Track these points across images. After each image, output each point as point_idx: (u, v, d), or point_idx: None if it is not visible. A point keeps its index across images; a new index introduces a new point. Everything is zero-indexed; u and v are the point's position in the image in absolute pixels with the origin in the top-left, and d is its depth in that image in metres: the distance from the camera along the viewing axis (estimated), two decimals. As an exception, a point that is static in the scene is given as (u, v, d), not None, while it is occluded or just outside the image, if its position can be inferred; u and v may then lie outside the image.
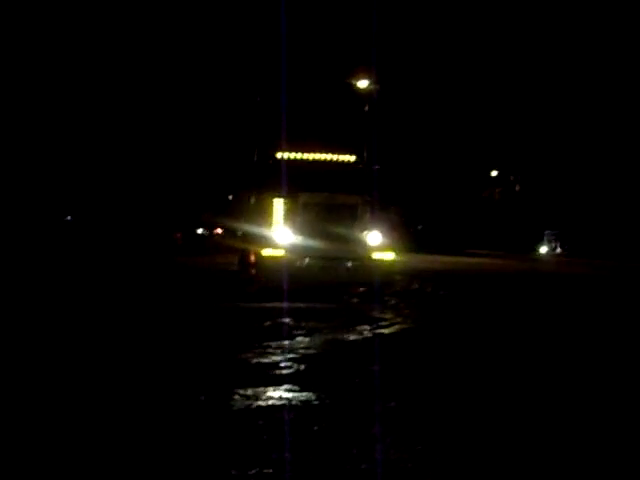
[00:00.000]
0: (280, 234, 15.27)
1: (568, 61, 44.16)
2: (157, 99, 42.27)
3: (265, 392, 6.46)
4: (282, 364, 7.83)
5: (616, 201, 43.27)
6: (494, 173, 55.21)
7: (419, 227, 45.50)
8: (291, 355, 8.37)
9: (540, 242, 49.19)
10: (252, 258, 16.23)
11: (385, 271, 15.35)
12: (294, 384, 6.77)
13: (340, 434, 5.29)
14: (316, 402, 6.21)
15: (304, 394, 6.44)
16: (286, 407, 6.03)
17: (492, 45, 45.51)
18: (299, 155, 16.38)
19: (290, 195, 15.42)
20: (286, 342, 9.24)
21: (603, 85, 42.72)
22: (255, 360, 8.04)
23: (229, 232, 52.60)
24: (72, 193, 42.22)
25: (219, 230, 52.44)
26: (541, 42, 44.87)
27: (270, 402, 6.19)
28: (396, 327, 11.07)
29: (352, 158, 16.60)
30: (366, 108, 17.34)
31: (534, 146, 48.72)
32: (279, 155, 16.38)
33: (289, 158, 16.30)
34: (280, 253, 15.00)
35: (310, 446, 4.98)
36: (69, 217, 43.97)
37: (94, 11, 38.86)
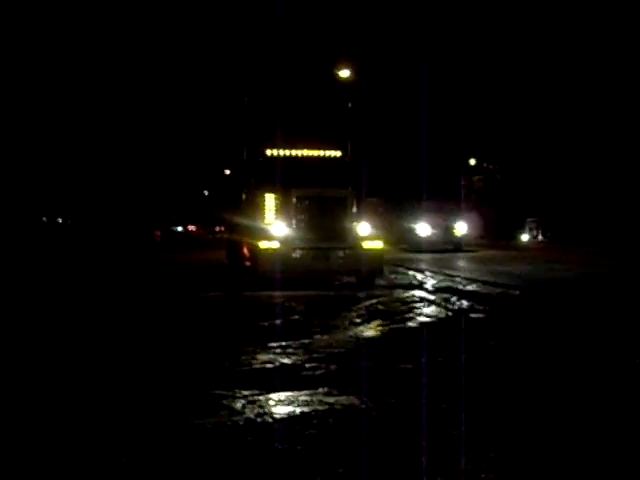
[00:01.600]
0: (274, 227, 15.88)
1: (544, 47, 44.34)
2: (143, 99, 42.04)
3: (299, 396, 5.95)
4: (307, 365, 7.31)
5: (596, 187, 43.41)
6: (473, 162, 55.55)
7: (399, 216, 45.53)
8: (314, 355, 7.85)
9: (521, 230, 49.46)
10: (246, 250, 17.03)
11: (374, 259, 15.91)
12: (330, 387, 6.25)
13: (401, 442, 4.80)
14: (362, 406, 5.70)
15: (345, 398, 5.93)
16: (331, 413, 5.51)
17: (471, 33, 45.61)
18: (288, 152, 17.37)
19: (281, 190, 16.12)
20: (305, 340, 8.72)
21: (580, 70, 42.91)
22: (278, 360, 7.58)
23: (206, 228, 52.53)
24: (59, 195, 41.98)
25: (192, 227, 52.44)
26: (519, 30, 45.11)
27: (311, 408, 5.65)
28: (415, 321, 10.60)
29: (338, 153, 17.71)
30: (349, 105, 18.34)
31: (513, 134, 48.96)
32: (269, 152, 17.35)
33: (279, 155, 17.33)
34: (275, 245, 15.52)
35: (374, 457, 4.48)
36: (47, 218, 43.48)
37: (81, 16, 38.44)
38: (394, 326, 10.05)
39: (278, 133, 17.35)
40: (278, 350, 8.13)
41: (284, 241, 15.58)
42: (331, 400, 5.86)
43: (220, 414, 5.46)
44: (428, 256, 28.26)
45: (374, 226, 16.50)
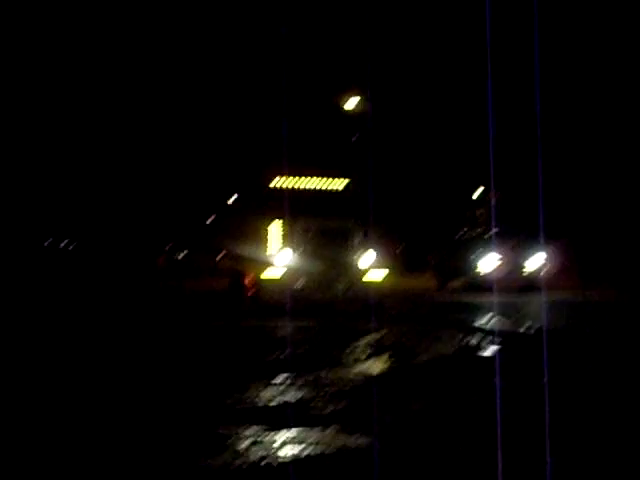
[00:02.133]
0: (278, 257, 16.24)
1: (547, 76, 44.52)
2: (146, 120, 42.05)
3: (310, 435, 5.70)
4: (317, 402, 7.08)
5: (600, 218, 43.30)
6: (478, 192, 55.83)
7: (402, 245, 45.10)
8: (324, 390, 7.63)
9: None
10: (248, 280, 17.32)
11: (376, 291, 15.84)
12: (339, 424, 6.02)
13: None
14: (375, 447, 5.42)
15: (357, 438, 5.68)
16: (345, 453, 5.25)
17: (471, 63, 45.85)
18: (293, 184, 17.44)
19: (285, 221, 16.48)
20: (310, 376, 8.45)
21: (583, 98, 42.93)
22: (286, 394, 7.38)
23: (202, 255, 52.68)
24: (56, 220, 41.87)
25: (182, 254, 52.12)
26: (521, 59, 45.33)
27: (321, 449, 5.38)
28: (423, 357, 10.37)
29: (342, 185, 17.85)
30: (355, 138, 18.42)
31: (516, 164, 48.99)
32: (273, 184, 17.41)
33: (283, 187, 17.38)
34: (278, 275, 15.86)
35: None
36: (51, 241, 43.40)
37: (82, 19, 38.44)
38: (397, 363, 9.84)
39: (283, 164, 17.42)
40: (282, 386, 7.93)
41: (287, 271, 15.74)
42: (340, 441, 5.62)
43: (224, 455, 5.25)
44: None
45: (377, 257, 16.43)
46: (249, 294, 17.20)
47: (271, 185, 17.42)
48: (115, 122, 42.22)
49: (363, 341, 11.79)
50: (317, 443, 5.54)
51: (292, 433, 5.81)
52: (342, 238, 16.35)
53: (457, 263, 26.82)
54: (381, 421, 6.22)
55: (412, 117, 46.91)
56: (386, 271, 16.48)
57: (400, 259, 32.63)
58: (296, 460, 5.17)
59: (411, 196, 50.08)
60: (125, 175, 43.30)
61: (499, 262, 25.19)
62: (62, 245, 43.97)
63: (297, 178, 17.57)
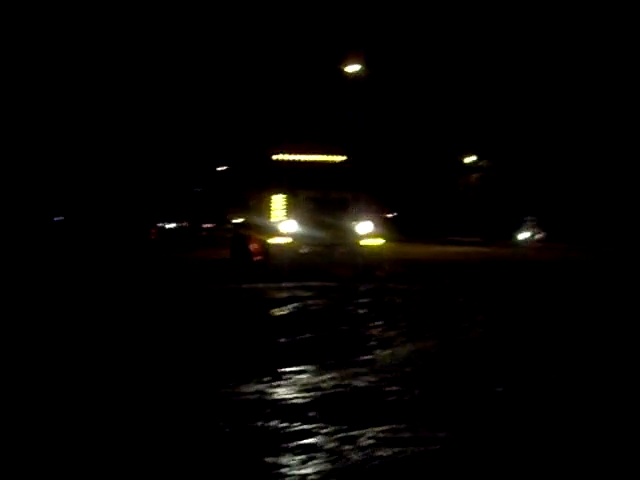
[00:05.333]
0: (284, 225, 17.32)
1: (540, 44, 44.30)
2: (138, 93, 42.43)
3: (367, 433, 5.13)
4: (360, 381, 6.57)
5: (594, 185, 42.76)
6: (469, 159, 54.23)
7: (394, 214, 45.38)
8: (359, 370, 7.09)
9: (519, 228, 47.17)
10: (255, 246, 18.30)
11: (373, 255, 17.47)
12: (403, 421, 5.45)
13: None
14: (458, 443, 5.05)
15: (430, 434, 5.16)
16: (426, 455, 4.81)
17: (464, 31, 46.09)
18: (296, 157, 18.60)
19: (290, 192, 17.56)
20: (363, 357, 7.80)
21: (577, 65, 42.80)
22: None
23: (195, 226, 53.30)
24: (51, 193, 42.15)
25: (172, 225, 52.11)
26: (516, 28, 45.01)
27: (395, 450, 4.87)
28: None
29: (341, 158, 18.96)
30: (350, 114, 19.40)
31: (509, 131, 47.98)
32: (278, 157, 18.61)
33: (287, 159, 18.56)
34: (285, 241, 17.02)
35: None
36: (59, 217, 43.78)
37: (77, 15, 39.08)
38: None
39: (286, 139, 18.80)
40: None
41: (293, 238, 17.05)
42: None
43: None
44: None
45: (374, 225, 17.79)
46: (255, 259, 18.23)
47: (276, 158, 18.52)
48: (108, 95, 42.50)
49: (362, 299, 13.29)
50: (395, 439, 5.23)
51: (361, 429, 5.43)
52: (341, 208, 17.61)
53: None
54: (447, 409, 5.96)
55: (406, 92, 47.19)
56: (382, 238, 17.81)
57: (395, 227, 33.86)
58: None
59: (405, 169, 50.38)
60: (115, 145, 43.57)
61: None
62: (57, 220, 44.19)
63: (299, 152, 18.57)
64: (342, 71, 22.27)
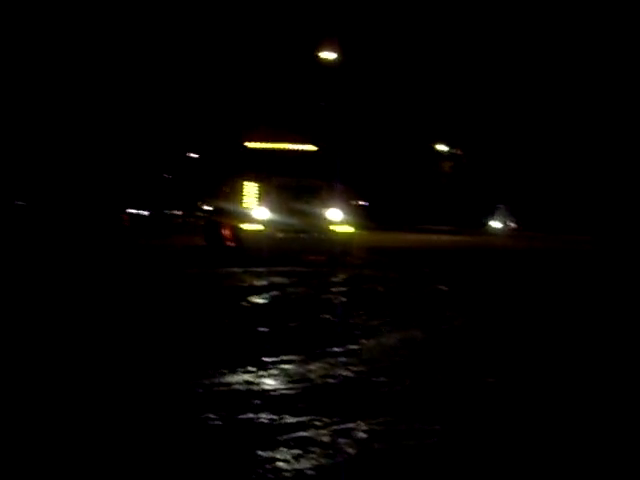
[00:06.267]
0: (256, 211, 17.73)
1: (512, 31, 44.42)
2: (114, 79, 42.00)
3: (360, 425, 4.99)
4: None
5: (567, 173, 43.07)
6: (441, 147, 54.08)
7: (363, 204, 45.48)
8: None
9: (491, 216, 47.25)
10: (227, 232, 18.77)
11: (345, 242, 17.98)
12: (396, 412, 5.36)
13: None
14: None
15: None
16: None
17: (438, 19, 46.13)
18: (269, 144, 19.08)
19: (262, 179, 17.90)
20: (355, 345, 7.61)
21: (549, 52, 43.07)
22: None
23: (168, 213, 53.00)
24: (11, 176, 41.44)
25: (145, 212, 51.68)
26: (488, 14, 45.12)
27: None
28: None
29: (313, 147, 19.55)
30: (323, 103, 19.72)
31: (481, 119, 48.10)
32: (251, 144, 19.06)
33: (260, 147, 19.01)
34: (257, 227, 17.48)
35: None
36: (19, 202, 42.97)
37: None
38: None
39: (259, 126, 18.94)
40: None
41: (265, 224, 17.45)
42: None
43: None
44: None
45: (344, 212, 18.24)
46: (227, 244, 18.68)
47: (249, 146, 18.91)
48: (75, 76, 41.94)
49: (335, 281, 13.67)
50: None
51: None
52: (313, 196, 18.06)
53: None
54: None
55: (380, 80, 47.16)
56: (352, 226, 18.30)
57: (368, 215, 33.98)
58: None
59: (378, 157, 50.36)
60: (89, 130, 43.12)
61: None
62: (20, 204, 43.36)
63: (272, 140, 19.02)
64: (316, 58, 22.24)
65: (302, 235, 17.79)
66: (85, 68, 41.78)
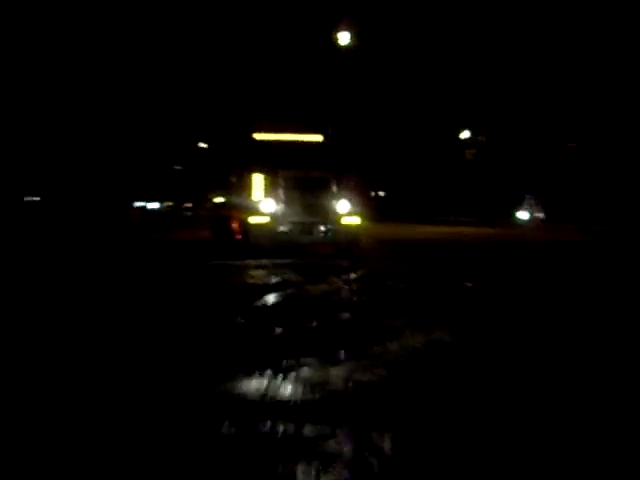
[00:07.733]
0: (263, 204, 17.79)
1: (536, 18, 43.69)
2: (124, 73, 41.81)
3: (387, 438, 4.71)
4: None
5: (597, 161, 41.84)
6: (464, 134, 52.07)
7: (380, 194, 44.49)
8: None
9: (518, 207, 44.67)
10: (235, 225, 18.97)
11: (352, 233, 17.99)
12: (426, 424, 5.08)
13: None
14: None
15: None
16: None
17: (459, 5, 45.52)
18: (276, 137, 18.79)
19: (270, 172, 17.92)
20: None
21: (574, 40, 42.32)
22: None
23: (178, 206, 52.51)
24: (24, 172, 41.41)
25: (155, 205, 51.40)
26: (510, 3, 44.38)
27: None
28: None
29: (320, 139, 19.12)
30: (330, 92, 19.54)
31: (506, 105, 46.42)
32: (258, 136, 18.79)
33: (268, 139, 18.75)
34: (265, 220, 17.57)
35: None
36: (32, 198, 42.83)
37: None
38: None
39: (267, 119, 18.67)
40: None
41: (272, 217, 17.52)
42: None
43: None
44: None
45: (353, 204, 18.08)
46: (236, 238, 18.63)
47: (256, 138, 18.64)
48: (84, 71, 41.84)
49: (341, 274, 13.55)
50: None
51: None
52: (322, 188, 17.93)
53: None
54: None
55: (398, 66, 46.24)
56: (360, 218, 18.24)
57: (385, 207, 33.42)
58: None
59: (396, 146, 49.21)
60: (99, 124, 42.99)
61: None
62: (33, 200, 43.47)
63: (279, 132, 18.67)
64: (330, 44, 21.82)
65: (310, 227, 17.73)
66: (95, 62, 41.62)
